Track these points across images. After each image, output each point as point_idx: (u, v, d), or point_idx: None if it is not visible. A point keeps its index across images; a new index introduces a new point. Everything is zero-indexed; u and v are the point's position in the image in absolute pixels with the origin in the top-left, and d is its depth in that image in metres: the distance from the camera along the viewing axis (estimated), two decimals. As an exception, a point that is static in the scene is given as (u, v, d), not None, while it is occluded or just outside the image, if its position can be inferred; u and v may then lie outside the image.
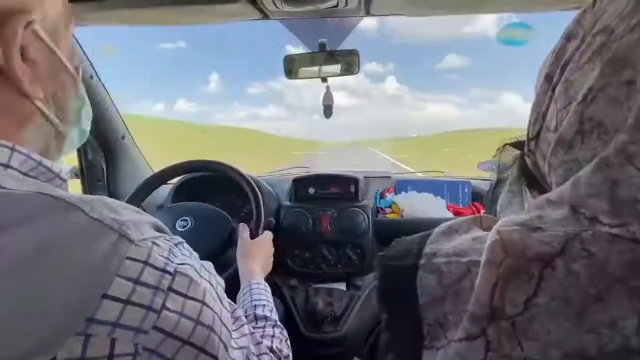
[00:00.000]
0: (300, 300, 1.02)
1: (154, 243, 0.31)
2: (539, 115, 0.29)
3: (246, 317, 0.59)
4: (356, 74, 1.00)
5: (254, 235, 0.82)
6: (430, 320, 0.27)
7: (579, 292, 0.20)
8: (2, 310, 0.24)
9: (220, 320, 0.35)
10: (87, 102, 0.42)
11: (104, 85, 1.07)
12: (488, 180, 1.24)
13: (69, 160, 1.15)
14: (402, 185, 1.18)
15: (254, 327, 0.56)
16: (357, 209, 1.07)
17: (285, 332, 0.60)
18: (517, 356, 0.21)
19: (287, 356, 0.54)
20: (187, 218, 0.88)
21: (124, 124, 1.19)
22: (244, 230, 0.81)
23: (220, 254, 0.85)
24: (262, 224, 0.83)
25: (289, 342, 0.59)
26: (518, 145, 0.36)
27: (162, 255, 0.31)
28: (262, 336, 0.53)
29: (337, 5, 0.73)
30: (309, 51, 1.01)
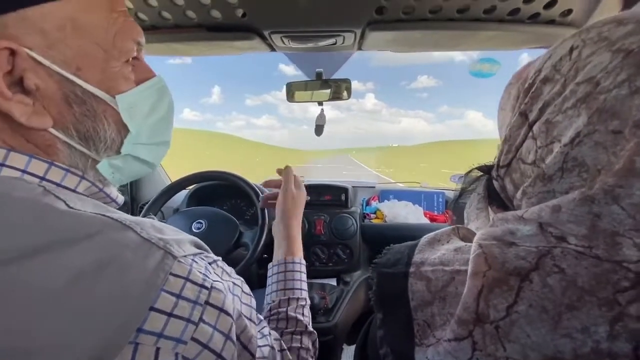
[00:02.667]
0: (296, 294, 1.03)
1: (193, 260, 0.30)
2: (511, 147, 0.29)
3: (277, 311, 0.53)
4: (348, 99, 1.04)
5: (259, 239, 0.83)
6: (420, 320, 0.27)
7: (554, 302, 0.21)
8: (65, 318, 0.23)
9: (249, 333, 0.34)
10: (142, 128, 0.36)
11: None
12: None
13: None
14: (385, 195, 1.21)
15: (283, 331, 0.50)
16: (346, 214, 1.09)
17: (314, 338, 0.53)
18: (500, 356, 0.22)
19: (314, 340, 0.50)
20: (201, 221, 0.89)
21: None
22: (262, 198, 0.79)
23: (228, 254, 0.87)
24: (266, 225, 0.85)
25: (316, 346, 0.53)
26: (484, 169, 0.36)
27: (200, 272, 0.30)
28: (290, 348, 0.47)
29: (335, 44, 0.77)
30: (307, 79, 1.05)
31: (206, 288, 0.29)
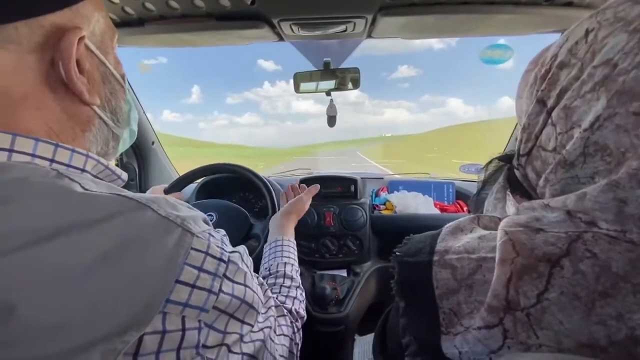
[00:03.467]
0: (307, 285, 1.03)
1: (210, 234, 0.32)
2: (531, 135, 0.29)
3: (276, 272, 0.62)
4: (357, 88, 1.03)
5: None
6: (446, 308, 0.27)
7: (587, 288, 0.20)
8: (98, 294, 0.24)
9: (257, 296, 0.37)
10: (133, 105, 0.43)
11: (136, 96, 1.08)
12: (468, 181, 1.27)
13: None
14: (394, 185, 1.20)
15: (281, 285, 0.59)
16: (356, 206, 1.09)
17: (304, 294, 0.62)
18: (533, 343, 0.21)
19: (303, 317, 0.56)
20: (212, 213, 0.89)
21: (154, 132, 1.21)
22: (283, 198, 0.88)
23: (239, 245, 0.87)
24: None
25: (305, 304, 0.61)
26: (504, 158, 0.36)
27: (218, 246, 0.32)
28: (286, 296, 0.56)
29: (345, 30, 0.76)
30: (315, 69, 1.03)
31: (224, 261, 0.32)
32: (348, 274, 1.07)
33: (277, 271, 0.62)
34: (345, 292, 1.00)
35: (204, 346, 0.30)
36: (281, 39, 0.81)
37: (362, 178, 1.21)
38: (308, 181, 1.15)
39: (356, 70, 1.00)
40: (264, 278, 0.62)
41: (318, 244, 1.08)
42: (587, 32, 0.25)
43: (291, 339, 0.49)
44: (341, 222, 1.07)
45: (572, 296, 0.20)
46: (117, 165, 1.15)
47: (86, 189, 0.27)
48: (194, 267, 0.29)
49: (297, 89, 1.06)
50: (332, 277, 1.04)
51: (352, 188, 1.12)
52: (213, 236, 0.32)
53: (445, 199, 1.16)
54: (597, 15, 0.25)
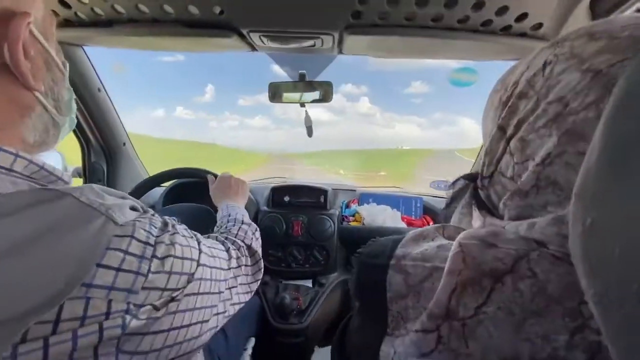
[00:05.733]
0: (271, 295, 1.02)
1: (135, 221, 0.32)
2: (492, 160, 0.29)
3: (221, 222, 0.65)
4: (329, 101, 1.05)
5: None
6: (394, 312, 0.28)
7: (521, 306, 0.21)
8: (8, 280, 0.24)
9: (189, 259, 0.37)
10: (73, 93, 0.42)
11: (109, 98, 1.07)
12: (437, 197, 1.30)
13: (72, 162, 1.14)
14: (365, 198, 1.22)
15: (226, 227, 0.62)
16: (325, 216, 1.10)
17: (253, 227, 0.64)
18: (462, 352, 0.22)
19: (256, 252, 0.58)
20: (174, 218, 0.88)
21: (126, 133, 1.19)
22: (211, 182, 0.85)
23: None
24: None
25: (258, 235, 0.63)
26: (470, 177, 0.37)
27: (144, 230, 0.32)
28: (235, 235, 0.58)
29: (314, 45, 0.78)
30: (291, 80, 1.05)
31: (150, 245, 0.32)
32: (313, 284, 1.07)
33: (228, 220, 0.65)
34: (308, 303, 1.00)
35: (133, 318, 0.29)
36: (254, 49, 0.82)
37: (333, 189, 1.23)
38: (279, 190, 1.16)
39: (329, 84, 1.02)
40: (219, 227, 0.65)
41: (285, 253, 1.08)
42: (544, 65, 0.25)
43: (250, 282, 0.54)
44: (309, 232, 1.08)
45: (507, 312, 0.21)
46: (83, 164, 1.13)
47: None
48: (119, 250, 0.29)
49: (274, 98, 1.07)
50: (296, 287, 1.04)
51: (322, 198, 1.13)
52: (140, 221, 0.33)
53: (413, 213, 1.18)
54: (556, 47, 0.26)
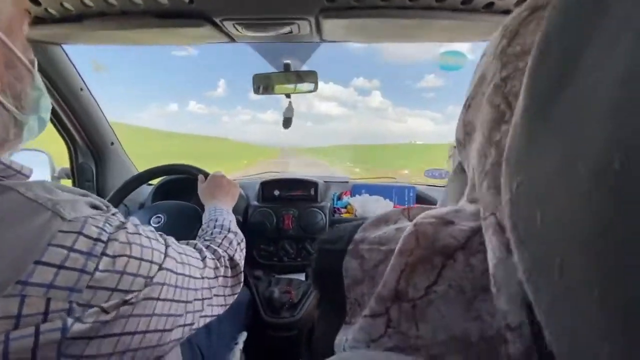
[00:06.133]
0: (262, 289, 1.01)
1: (87, 217, 0.31)
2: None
3: (207, 226, 0.63)
4: (314, 91, 1.02)
5: None
6: (352, 299, 0.27)
7: (472, 282, 0.20)
8: None
9: (149, 261, 0.35)
10: (45, 92, 0.41)
11: (94, 97, 1.06)
12: (432, 185, 1.28)
13: (60, 163, 1.13)
14: (357, 189, 1.20)
15: (212, 233, 0.60)
16: (316, 209, 1.08)
17: (240, 237, 0.61)
18: (412, 335, 0.21)
19: (237, 265, 0.56)
20: (160, 215, 0.87)
21: (114, 132, 1.18)
22: (200, 181, 0.83)
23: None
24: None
25: (243, 246, 0.61)
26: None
27: (96, 226, 0.31)
28: (219, 245, 0.55)
29: (291, 32, 0.75)
30: (276, 71, 1.03)
31: (102, 241, 0.31)
32: (306, 278, 1.06)
33: (209, 226, 0.63)
34: (300, 296, 0.99)
35: (76, 321, 0.28)
36: (232, 39, 0.80)
37: (325, 181, 1.21)
38: (269, 184, 1.14)
39: (314, 73, 1.00)
40: (198, 237, 0.62)
41: (277, 248, 1.07)
42: None
43: (224, 288, 0.51)
44: (300, 225, 1.06)
45: (458, 290, 0.20)
46: (71, 165, 1.13)
47: None
48: (62, 246, 0.28)
49: (257, 90, 1.06)
50: (288, 281, 1.03)
51: (313, 191, 1.12)
52: (93, 218, 0.32)
53: (406, 202, 1.16)
54: None
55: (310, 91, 1.03)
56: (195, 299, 0.42)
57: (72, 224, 0.29)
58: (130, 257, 0.33)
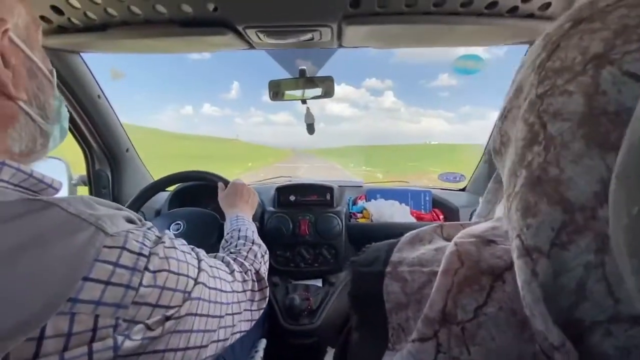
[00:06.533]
0: (280, 296, 1.01)
1: (128, 232, 0.31)
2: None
3: (231, 237, 0.62)
4: (332, 97, 1.02)
5: None
6: (394, 324, 0.26)
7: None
8: None
9: (186, 276, 0.35)
10: (63, 101, 0.41)
11: (110, 104, 1.06)
12: (446, 189, 1.27)
13: (77, 170, 1.14)
14: (372, 194, 1.19)
15: (237, 245, 0.59)
16: (332, 214, 1.08)
17: (263, 249, 0.61)
18: (464, 359, 0.21)
19: (263, 279, 0.55)
20: (179, 222, 0.87)
21: (129, 139, 1.19)
22: (220, 190, 0.83)
23: (212, 250, 0.84)
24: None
25: (267, 259, 0.60)
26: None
27: (137, 241, 0.31)
28: (245, 258, 0.55)
29: (312, 39, 0.75)
30: (291, 77, 1.03)
31: (144, 255, 0.30)
32: (323, 284, 1.06)
33: (232, 237, 0.62)
34: (319, 303, 0.98)
35: (125, 339, 0.28)
36: (251, 46, 0.80)
37: (339, 186, 1.20)
38: (284, 189, 1.14)
39: (330, 79, 0.99)
40: (222, 248, 0.62)
41: (293, 253, 1.06)
42: None
43: (251, 302, 0.50)
44: (317, 230, 1.06)
45: (509, 312, 0.20)
46: (88, 172, 1.13)
47: None
48: (109, 262, 0.28)
49: (273, 96, 1.05)
50: (305, 287, 1.02)
51: (328, 196, 1.11)
52: (132, 232, 0.31)
53: (422, 207, 1.15)
54: None
55: (327, 96, 1.03)
56: (226, 314, 0.42)
57: (115, 238, 0.29)
58: (169, 271, 0.33)
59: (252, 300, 0.50)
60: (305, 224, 1.06)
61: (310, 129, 1.10)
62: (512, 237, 0.19)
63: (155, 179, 1.21)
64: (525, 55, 0.24)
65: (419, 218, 1.11)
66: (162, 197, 1.18)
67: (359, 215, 1.14)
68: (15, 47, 0.33)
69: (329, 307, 0.98)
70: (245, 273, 0.51)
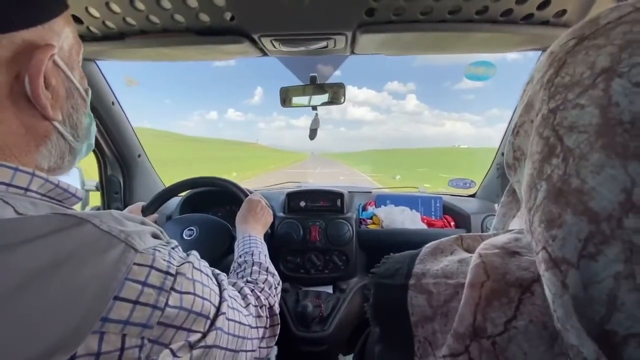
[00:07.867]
0: (291, 302, 1.00)
1: (155, 249, 0.31)
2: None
3: (244, 261, 0.61)
4: (342, 103, 1.03)
5: None
6: (421, 337, 0.25)
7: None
8: (25, 316, 0.23)
9: (209, 302, 0.35)
10: (93, 118, 0.42)
11: (123, 111, 1.08)
12: (457, 195, 1.26)
13: (90, 175, 1.15)
14: (381, 200, 1.19)
15: (251, 272, 0.58)
16: (342, 220, 1.07)
17: (277, 279, 0.60)
18: None
19: (275, 315, 0.53)
20: (192, 228, 0.87)
21: (140, 144, 1.20)
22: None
23: (222, 259, 0.85)
24: None
25: (279, 290, 0.59)
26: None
27: (164, 259, 0.31)
28: (262, 290, 0.53)
29: (326, 47, 0.76)
30: (302, 84, 1.04)
31: (171, 274, 0.30)
32: (334, 290, 1.05)
33: (245, 260, 0.61)
34: (330, 310, 0.98)
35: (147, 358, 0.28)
36: (265, 54, 0.81)
37: (349, 192, 1.20)
38: (294, 195, 1.14)
39: (341, 86, 1.00)
40: (235, 272, 0.60)
41: (303, 260, 1.06)
42: None
43: (262, 338, 0.48)
44: (327, 236, 1.05)
45: (539, 325, 0.19)
46: (100, 177, 1.14)
47: (20, 213, 0.26)
48: (137, 281, 0.28)
49: (283, 103, 1.06)
50: (316, 294, 1.02)
51: (339, 202, 1.11)
52: (159, 250, 0.31)
53: (433, 213, 1.15)
54: None
55: (337, 103, 1.04)
56: (240, 350, 0.41)
57: (144, 256, 0.29)
58: (195, 294, 0.33)
59: (262, 338, 0.49)
60: (315, 230, 1.06)
61: (313, 134, 1.11)
62: (536, 250, 0.19)
63: (167, 184, 1.22)
64: (534, 66, 0.24)
65: (429, 224, 1.10)
66: (173, 203, 1.18)
67: (369, 221, 1.13)
68: (57, 68, 0.34)
69: (340, 314, 0.97)
70: (260, 308, 0.49)
